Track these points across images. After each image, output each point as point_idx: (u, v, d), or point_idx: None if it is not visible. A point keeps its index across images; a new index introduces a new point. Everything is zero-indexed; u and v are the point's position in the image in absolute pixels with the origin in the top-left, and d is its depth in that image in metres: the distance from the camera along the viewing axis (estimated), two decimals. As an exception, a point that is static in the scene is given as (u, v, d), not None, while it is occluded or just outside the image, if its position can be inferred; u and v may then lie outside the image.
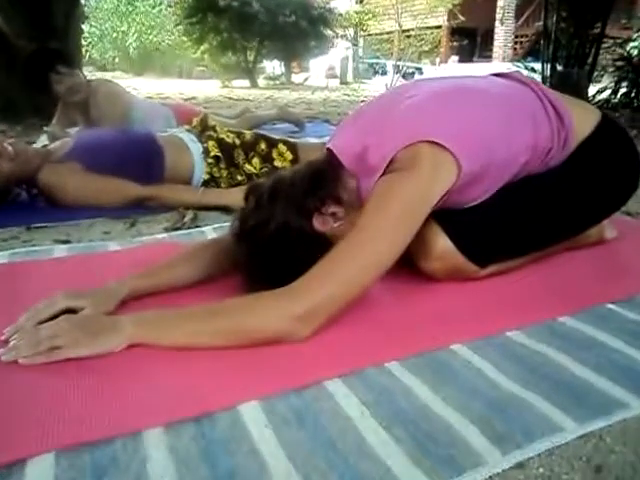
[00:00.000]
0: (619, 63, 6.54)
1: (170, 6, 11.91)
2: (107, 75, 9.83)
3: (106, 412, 0.70)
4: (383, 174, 0.96)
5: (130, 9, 15.04)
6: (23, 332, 0.85)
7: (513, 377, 0.79)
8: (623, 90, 6.10)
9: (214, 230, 1.50)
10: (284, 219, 0.97)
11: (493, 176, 1.05)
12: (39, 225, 1.58)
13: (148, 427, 0.68)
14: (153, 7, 14.99)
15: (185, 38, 11.66)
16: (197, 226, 1.58)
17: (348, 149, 1.05)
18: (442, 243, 1.05)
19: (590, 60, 6.25)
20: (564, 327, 0.95)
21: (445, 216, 1.06)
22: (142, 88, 7.86)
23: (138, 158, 1.81)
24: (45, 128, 2.90)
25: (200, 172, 1.87)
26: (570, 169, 1.14)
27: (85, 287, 1.00)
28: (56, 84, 2.56)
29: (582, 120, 1.15)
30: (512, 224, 1.10)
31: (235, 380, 0.78)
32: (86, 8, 13.58)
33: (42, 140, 2.95)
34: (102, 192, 1.70)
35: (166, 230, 1.57)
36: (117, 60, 15.01)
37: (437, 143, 0.94)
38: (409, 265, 1.10)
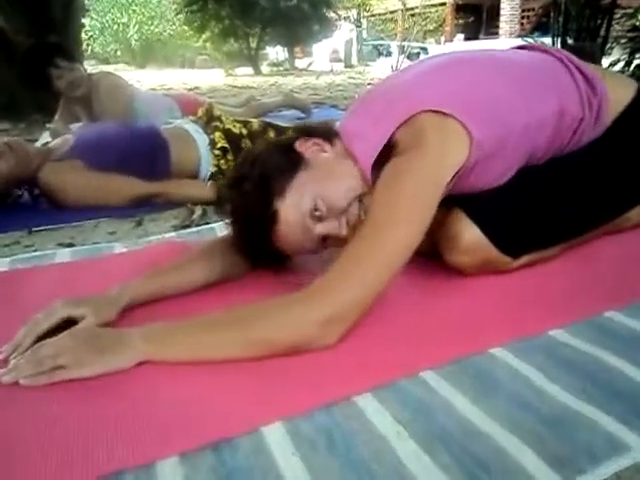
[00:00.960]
0: (631, 34, 6.34)
1: (170, -5, 11.75)
2: (110, 68, 9.75)
3: (113, 442, 0.63)
4: (388, 160, 0.88)
5: (130, 1, 14.90)
6: (23, 350, 0.78)
7: (564, 386, 0.71)
8: (637, 62, 5.92)
9: (225, 226, 1.42)
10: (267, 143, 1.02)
11: (515, 147, 0.96)
12: (41, 228, 1.51)
13: (161, 457, 0.61)
14: (153, -3, 14.85)
15: (186, 27, 11.55)
16: (207, 222, 1.50)
17: (350, 131, 0.99)
18: (471, 234, 0.97)
19: (602, 32, 6.07)
20: (613, 323, 0.87)
21: (471, 203, 0.98)
22: (145, 80, 7.78)
23: (142, 153, 1.73)
24: (47, 125, 2.84)
25: (207, 165, 1.79)
26: (606, 145, 1.04)
27: (88, 293, 0.93)
28: (56, 79, 2.49)
29: (617, 91, 1.05)
30: (546, 209, 1.01)
31: (255, 398, 0.71)
32: (86, 1, 13.49)
33: (45, 137, 2.89)
34: (105, 191, 1.63)
35: (174, 228, 1.50)
36: (119, 53, 14.93)
37: (439, 112, 0.87)
38: (434, 258, 1.03)
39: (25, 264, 1.23)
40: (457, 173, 0.88)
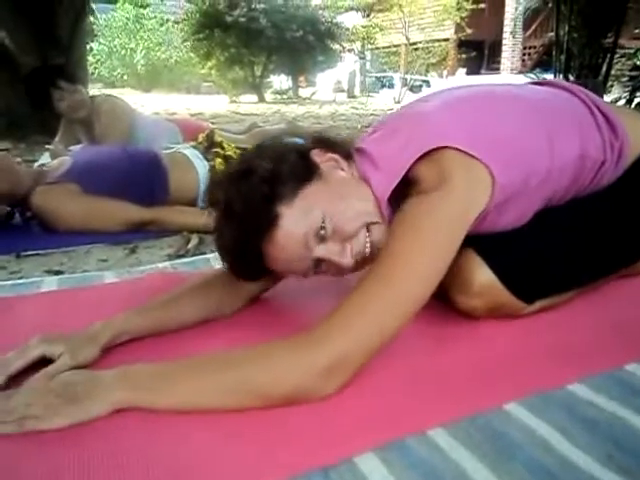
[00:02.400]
0: (633, 73, 6.42)
1: (177, 23, 11.96)
2: (115, 91, 9.83)
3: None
4: (407, 192, 0.83)
5: (138, 27, 15.17)
6: None
7: (590, 451, 0.64)
8: (637, 100, 5.98)
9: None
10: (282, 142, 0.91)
11: (535, 191, 0.90)
12: (30, 253, 1.45)
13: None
14: (161, 24, 15.12)
15: (192, 54, 11.73)
16: (202, 253, 1.45)
17: (369, 155, 0.91)
18: (484, 276, 0.91)
19: (604, 70, 6.15)
20: (635, 379, 0.80)
21: (484, 244, 0.92)
22: (150, 104, 7.83)
23: (140, 178, 1.69)
24: (47, 146, 2.81)
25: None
26: (625, 188, 0.99)
27: (71, 327, 0.86)
28: (57, 101, 2.48)
29: (638, 131, 1.00)
30: (562, 253, 0.95)
31: (244, 457, 0.64)
32: (95, 26, 13.74)
33: (45, 158, 2.85)
34: (99, 216, 1.58)
35: (169, 257, 1.44)
36: (125, 77, 15.09)
37: (463, 151, 0.81)
38: (443, 299, 0.96)
39: (8, 292, 1.16)
40: (478, 217, 0.82)
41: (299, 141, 0.94)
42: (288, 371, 0.71)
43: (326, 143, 0.92)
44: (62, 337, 0.81)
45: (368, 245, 0.85)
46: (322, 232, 0.82)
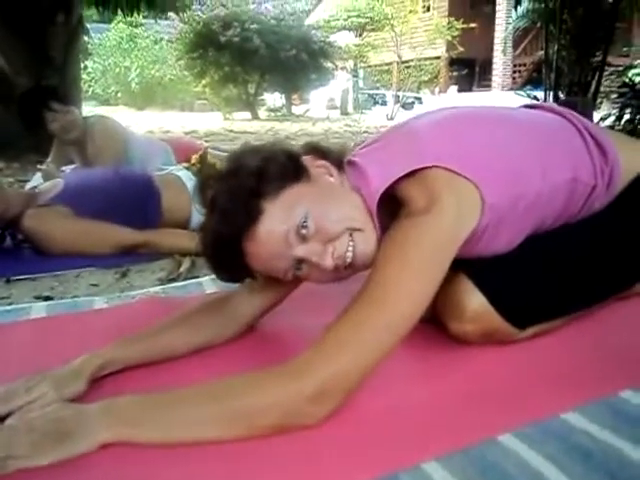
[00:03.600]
0: (622, 90, 6.52)
1: (171, 42, 12.06)
2: (110, 109, 9.86)
3: None
4: (395, 211, 0.83)
5: (132, 45, 15.28)
6: None
7: (584, 485, 0.63)
8: (627, 117, 6.06)
9: (213, 281, 1.35)
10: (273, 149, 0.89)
11: (525, 214, 0.90)
12: (20, 277, 1.44)
13: None
14: (155, 43, 15.23)
15: (186, 72, 11.80)
16: (195, 276, 1.43)
17: (360, 166, 0.90)
18: (476, 302, 0.90)
19: (593, 87, 6.24)
20: (629, 406, 0.79)
21: (476, 269, 0.92)
22: (144, 122, 7.85)
23: (132, 201, 1.68)
24: (39, 166, 2.80)
25: (199, 215, 1.73)
26: (618, 213, 1.00)
27: (62, 356, 0.85)
28: (50, 122, 2.48)
29: (629, 157, 1.01)
30: (557, 278, 0.95)
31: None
32: (89, 45, 13.83)
33: (37, 178, 2.84)
34: (90, 239, 1.57)
35: (160, 281, 1.43)
36: (120, 95, 15.15)
37: (452, 170, 0.81)
38: (434, 324, 0.96)
39: (-4, 320, 1.15)
40: (468, 237, 0.82)
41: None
42: (276, 398, 0.70)
43: (318, 151, 0.92)
44: (45, 376, 0.79)
45: (350, 250, 0.83)
46: (304, 231, 0.81)
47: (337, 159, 0.92)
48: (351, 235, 0.83)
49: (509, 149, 0.90)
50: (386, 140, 0.96)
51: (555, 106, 1.07)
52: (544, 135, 0.96)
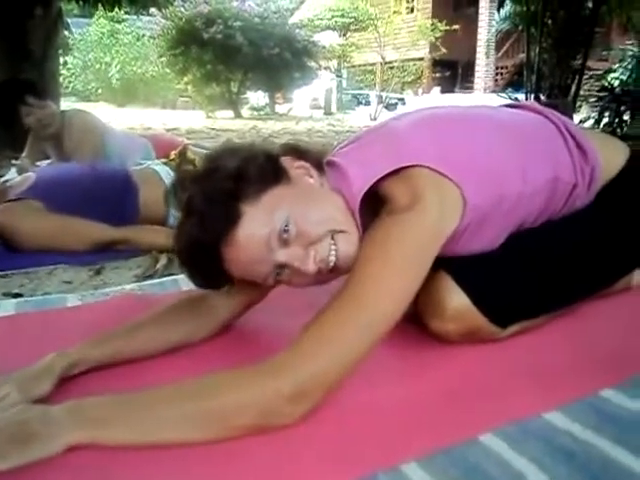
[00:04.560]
0: (602, 93, 6.62)
1: (153, 38, 11.90)
2: (90, 105, 9.69)
3: None
4: (377, 209, 0.81)
5: (113, 41, 15.07)
6: None
7: (566, 486, 0.62)
8: (605, 120, 6.16)
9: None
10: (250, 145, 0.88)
11: (507, 214, 0.90)
12: (-11, 274, 1.39)
13: None
14: (137, 39, 15.04)
15: (168, 69, 11.67)
16: (171, 274, 1.40)
17: (340, 167, 0.88)
18: (458, 301, 0.89)
19: (573, 90, 6.33)
20: (610, 405, 0.78)
21: (458, 267, 0.90)
22: (125, 119, 7.74)
23: (108, 196, 1.64)
24: (14, 161, 2.73)
25: (176, 211, 1.69)
26: (598, 211, 0.99)
27: (30, 356, 0.81)
28: (25, 116, 2.41)
29: (609, 156, 1.01)
30: (538, 276, 0.94)
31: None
32: (70, 40, 13.59)
33: (11, 173, 2.77)
34: (64, 235, 1.52)
35: (137, 278, 1.39)
36: (100, 91, 14.93)
37: (434, 169, 0.80)
38: (415, 322, 0.94)
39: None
40: (450, 236, 0.81)
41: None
42: (253, 398, 0.68)
43: (297, 151, 0.89)
44: (10, 376, 0.76)
45: (333, 253, 0.80)
46: (285, 235, 0.78)
47: (316, 159, 0.90)
48: (333, 238, 0.81)
49: (490, 149, 0.89)
50: (366, 140, 0.94)
51: (537, 105, 1.07)
52: (525, 135, 0.95)
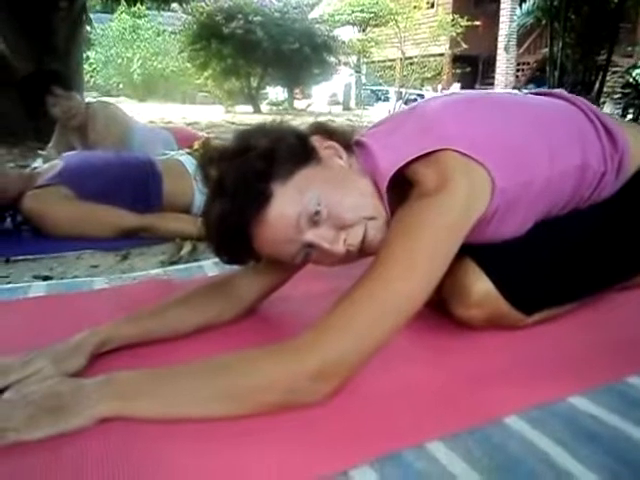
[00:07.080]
0: (626, 90, 6.50)
1: (174, 33, 12.00)
2: (111, 100, 9.80)
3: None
4: (406, 191, 0.81)
5: (135, 36, 15.22)
6: None
7: (591, 466, 0.62)
8: (629, 117, 6.05)
9: (215, 264, 1.34)
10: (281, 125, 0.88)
11: (535, 200, 0.89)
12: (20, 258, 1.43)
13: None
14: (158, 35, 15.16)
15: (189, 64, 11.76)
16: (196, 259, 1.42)
17: (370, 148, 0.88)
18: (483, 287, 0.89)
19: (596, 87, 6.22)
20: (636, 391, 0.78)
21: (483, 254, 0.91)
22: (145, 113, 7.81)
23: (134, 184, 1.67)
24: (40, 151, 2.78)
25: (201, 199, 1.72)
26: (626, 199, 0.98)
27: (61, 334, 0.83)
28: (52, 106, 2.45)
29: (638, 145, 1.00)
30: (564, 264, 0.94)
31: (233, 469, 0.61)
32: (92, 35, 13.76)
33: (38, 163, 2.83)
34: (91, 221, 1.55)
35: (162, 264, 1.41)
36: (121, 86, 15.11)
37: (464, 153, 0.80)
38: (440, 308, 0.95)
39: (-6, 297, 1.13)
40: (477, 220, 0.81)
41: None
42: (279, 375, 0.69)
43: (326, 131, 0.89)
44: (44, 350, 0.78)
45: (362, 239, 0.81)
46: (316, 217, 0.79)
47: (345, 140, 0.90)
48: (365, 224, 0.82)
49: (520, 135, 0.89)
50: (396, 122, 0.94)
51: (565, 93, 1.06)
52: (554, 121, 0.95)
